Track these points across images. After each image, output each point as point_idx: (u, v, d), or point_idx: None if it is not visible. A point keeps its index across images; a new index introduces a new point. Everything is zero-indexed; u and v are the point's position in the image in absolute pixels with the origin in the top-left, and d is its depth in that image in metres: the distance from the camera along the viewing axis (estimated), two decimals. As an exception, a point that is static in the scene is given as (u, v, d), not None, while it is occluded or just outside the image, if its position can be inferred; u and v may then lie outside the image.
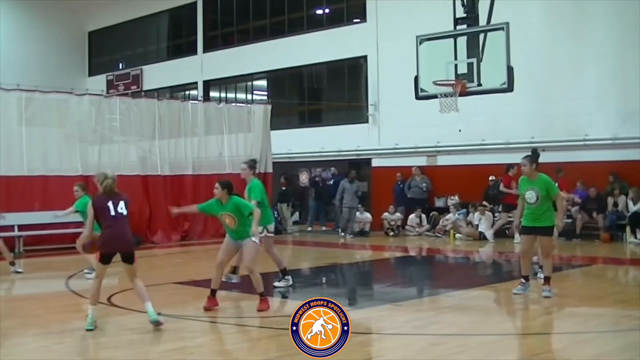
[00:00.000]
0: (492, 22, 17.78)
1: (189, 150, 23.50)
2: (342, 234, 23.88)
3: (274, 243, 13.20)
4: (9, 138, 20.09)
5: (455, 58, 17.87)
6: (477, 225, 22.14)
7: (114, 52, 38.86)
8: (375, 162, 26.90)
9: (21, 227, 19.13)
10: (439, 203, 24.70)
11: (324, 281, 15.42)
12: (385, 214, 24.35)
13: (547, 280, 11.53)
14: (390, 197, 25.26)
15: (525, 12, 21.71)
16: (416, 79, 18.34)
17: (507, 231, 21.41)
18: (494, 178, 22.55)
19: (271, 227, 12.92)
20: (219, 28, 34.02)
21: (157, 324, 9.24)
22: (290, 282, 12.93)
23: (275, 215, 25.13)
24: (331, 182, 26.34)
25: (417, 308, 11.42)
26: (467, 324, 9.92)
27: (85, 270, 13.92)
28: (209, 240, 21.18)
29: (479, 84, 17.53)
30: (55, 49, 37.25)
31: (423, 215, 24.18)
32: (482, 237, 21.75)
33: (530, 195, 11.48)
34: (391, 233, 23.91)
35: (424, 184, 24.54)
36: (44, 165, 20.53)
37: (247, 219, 10.60)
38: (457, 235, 22.43)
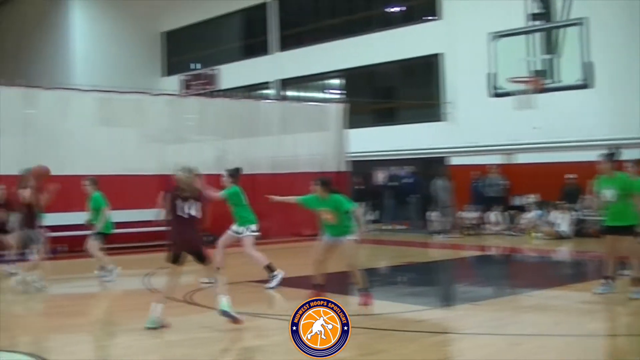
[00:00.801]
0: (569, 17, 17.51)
1: (264, 149, 23.55)
2: (443, 235, 23.30)
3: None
4: (86, 138, 20.40)
5: (531, 55, 17.64)
6: (557, 224, 21.77)
7: (189, 52, 39.23)
8: (452, 161, 26.65)
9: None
10: (516, 201, 24.36)
11: (400, 280, 15.33)
12: (463, 212, 24.13)
13: (637, 281, 11.24)
14: (466, 195, 24.98)
15: (605, 8, 21.22)
16: (491, 76, 18.13)
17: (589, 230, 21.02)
18: (570, 177, 22.19)
19: (254, 227, 13.17)
20: (293, 27, 34.11)
21: (225, 315, 9.22)
22: (280, 277, 12.91)
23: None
24: (410, 181, 26.16)
25: (496, 307, 11.21)
26: (548, 324, 9.72)
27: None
28: (285, 239, 21.19)
29: (556, 81, 17.28)
30: (131, 50, 37.73)
31: (502, 213, 23.89)
32: (561, 236, 21.39)
33: (609, 194, 11.33)
34: (469, 232, 23.70)
35: (504, 182, 24.18)
36: (121, 165, 20.77)
37: (346, 216, 10.98)
38: (536, 234, 22.09)
